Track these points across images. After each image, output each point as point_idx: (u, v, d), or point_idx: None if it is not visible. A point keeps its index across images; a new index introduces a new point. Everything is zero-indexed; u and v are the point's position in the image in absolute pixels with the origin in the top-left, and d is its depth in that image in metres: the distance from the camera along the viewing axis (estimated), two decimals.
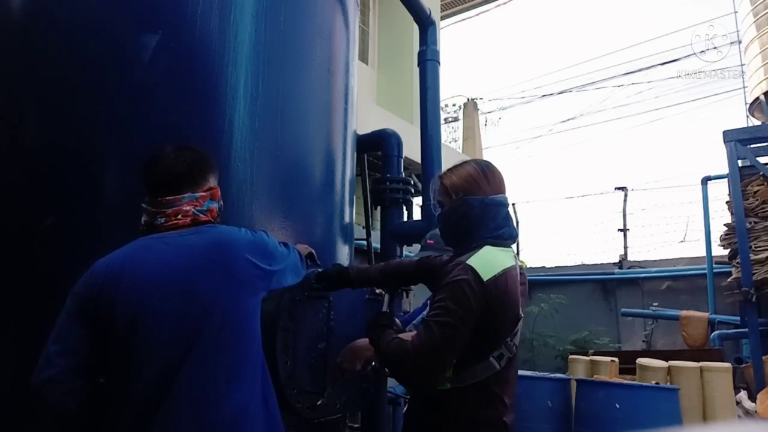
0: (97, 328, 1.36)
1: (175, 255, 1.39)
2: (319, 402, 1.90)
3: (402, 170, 3.27)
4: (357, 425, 2.79)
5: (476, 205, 1.59)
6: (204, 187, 1.51)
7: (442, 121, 5.29)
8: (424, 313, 2.28)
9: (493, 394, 1.52)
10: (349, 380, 1.97)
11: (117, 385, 1.35)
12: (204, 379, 1.33)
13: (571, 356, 5.71)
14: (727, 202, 6.40)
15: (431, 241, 2.45)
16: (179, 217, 1.44)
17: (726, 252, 6.51)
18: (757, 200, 5.83)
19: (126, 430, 1.32)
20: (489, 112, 13.98)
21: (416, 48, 3.68)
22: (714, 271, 7.23)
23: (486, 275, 1.46)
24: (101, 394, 1.38)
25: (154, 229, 1.46)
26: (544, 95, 13.70)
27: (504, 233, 1.60)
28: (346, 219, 2.43)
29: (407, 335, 1.54)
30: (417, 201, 4.03)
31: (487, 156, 13.40)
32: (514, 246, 1.69)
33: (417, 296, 3.06)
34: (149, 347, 1.33)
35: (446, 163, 2.20)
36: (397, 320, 2.41)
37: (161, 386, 1.31)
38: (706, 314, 6.95)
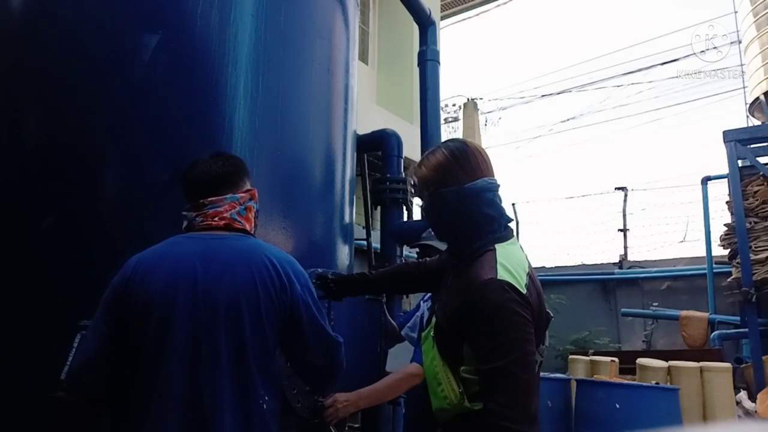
0: (124, 320, 1.38)
1: (196, 256, 1.39)
2: (320, 402, 1.89)
3: (402, 170, 3.27)
4: (357, 425, 2.79)
5: (451, 199, 1.42)
6: (242, 188, 1.54)
7: (442, 121, 5.29)
8: (418, 314, 2.28)
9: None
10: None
11: (130, 375, 1.38)
12: (193, 390, 1.31)
13: (571, 356, 5.73)
14: (727, 202, 6.41)
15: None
16: (215, 219, 1.46)
17: (726, 252, 6.52)
18: (757, 200, 5.83)
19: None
20: (489, 112, 13.99)
21: (416, 48, 3.68)
22: (714, 271, 7.25)
23: (522, 287, 1.32)
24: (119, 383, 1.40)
25: (191, 227, 1.48)
26: (544, 95, 13.70)
27: (503, 224, 1.46)
28: (346, 219, 2.43)
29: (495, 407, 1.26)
30: (417, 201, 4.04)
31: None
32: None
33: (416, 296, 3.06)
34: (159, 342, 1.34)
35: None
36: (393, 322, 2.42)
37: (155, 382, 1.32)
38: (706, 314, 6.96)
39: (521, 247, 1.49)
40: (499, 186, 1.48)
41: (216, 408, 1.30)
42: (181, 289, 1.35)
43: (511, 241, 1.45)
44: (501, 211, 1.46)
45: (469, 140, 1.57)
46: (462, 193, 1.42)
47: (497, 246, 1.40)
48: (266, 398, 1.37)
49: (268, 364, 1.40)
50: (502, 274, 1.32)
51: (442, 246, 2.05)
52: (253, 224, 1.54)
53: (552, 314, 1.47)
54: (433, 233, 2.34)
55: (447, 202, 1.44)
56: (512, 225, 1.53)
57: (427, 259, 1.94)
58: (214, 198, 1.47)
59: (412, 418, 2.21)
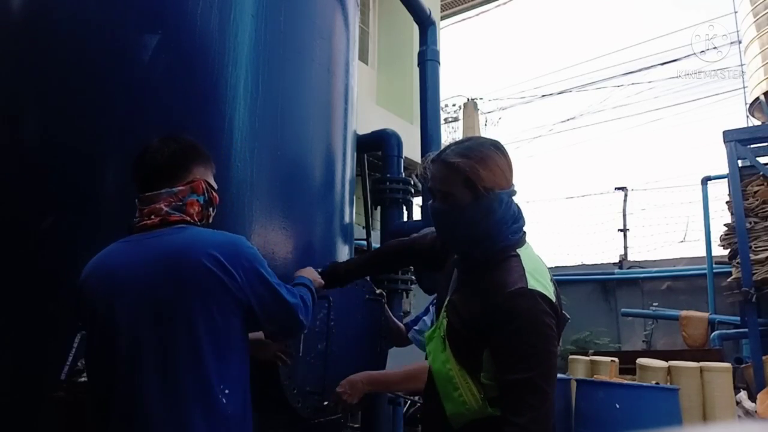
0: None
1: (133, 260, 1.35)
2: (321, 403, 1.90)
3: (402, 170, 3.27)
4: (357, 425, 2.79)
5: (504, 202, 1.34)
6: (185, 180, 1.43)
7: (442, 121, 5.29)
8: (425, 318, 2.27)
9: None
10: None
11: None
12: (139, 399, 1.29)
13: (571, 356, 5.72)
14: (727, 202, 6.40)
15: None
16: (151, 216, 1.39)
17: (726, 252, 6.51)
18: (757, 200, 5.83)
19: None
20: (489, 112, 13.99)
21: (416, 48, 3.68)
22: (714, 271, 7.24)
23: (552, 295, 1.28)
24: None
25: (130, 229, 1.42)
26: (544, 95, 13.70)
27: (522, 227, 1.40)
28: (346, 219, 2.43)
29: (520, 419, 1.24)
30: (417, 201, 4.04)
31: None
32: None
33: (417, 296, 3.06)
34: (107, 353, 1.34)
35: None
36: (398, 323, 2.41)
37: (108, 394, 1.34)
38: (706, 314, 6.96)
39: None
40: None
41: (177, 412, 1.28)
42: (124, 299, 1.33)
43: (526, 245, 1.41)
44: (522, 215, 1.41)
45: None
46: (510, 195, 1.36)
47: (519, 251, 1.35)
48: (226, 392, 1.32)
49: (224, 357, 1.34)
50: (532, 284, 1.28)
51: None
52: (198, 216, 1.44)
53: (569, 316, 1.43)
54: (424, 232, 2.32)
55: (499, 205, 1.33)
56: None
57: (414, 236, 1.91)
58: (150, 194, 1.41)
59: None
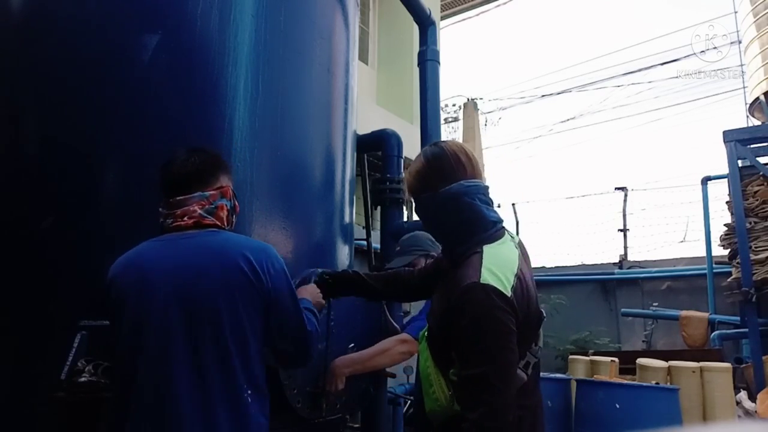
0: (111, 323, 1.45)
1: (167, 258, 1.40)
2: (319, 402, 1.90)
3: (402, 170, 3.27)
4: (357, 425, 2.79)
5: (429, 205, 1.45)
6: (214, 185, 1.51)
7: (442, 121, 5.29)
8: (417, 324, 2.29)
9: (522, 407, 1.32)
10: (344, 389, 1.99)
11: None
12: (169, 394, 1.31)
13: (571, 356, 5.71)
14: (727, 202, 6.39)
15: (398, 248, 2.45)
16: (185, 218, 1.45)
17: (726, 252, 6.51)
18: (757, 200, 5.82)
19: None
20: (489, 112, 13.98)
21: (416, 48, 3.68)
22: (714, 271, 7.23)
23: (507, 289, 1.28)
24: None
25: (163, 230, 1.47)
26: (544, 95, 13.68)
27: (490, 224, 1.41)
28: (346, 219, 2.43)
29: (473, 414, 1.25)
30: None
31: (487, 156, 13.39)
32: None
33: None
34: (129, 349, 1.36)
35: None
36: (394, 324, 2.42)
37: (132, 386, 1.35)
38: (706, 314, 6.95)
39: (516, 245, 1.45)
40: (481, 187, 1.43)
41: (205, 409, 1.30)
42: (156, 295, 1.36)
43: (501, 240, 1.41)
44: (483, 213, 1.41)
45: (451, 142, 1.54)
46: (437, 199, 1.42)
47: (485, 247, 1.37)
48: (249, 392, 1.36)
49: (249, 358, 1.38)
50: (485, 278, 1.28)
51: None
52: (226, 221, 1.52)
53: (545, 314, 1.45)
54: (396, 256, 2.37)
55: (426, 207, 1.46)
56: (506, 224, 1.50)
57: (424, 262, 1.94)
58: (182, 197, 1.47)
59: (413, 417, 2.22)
